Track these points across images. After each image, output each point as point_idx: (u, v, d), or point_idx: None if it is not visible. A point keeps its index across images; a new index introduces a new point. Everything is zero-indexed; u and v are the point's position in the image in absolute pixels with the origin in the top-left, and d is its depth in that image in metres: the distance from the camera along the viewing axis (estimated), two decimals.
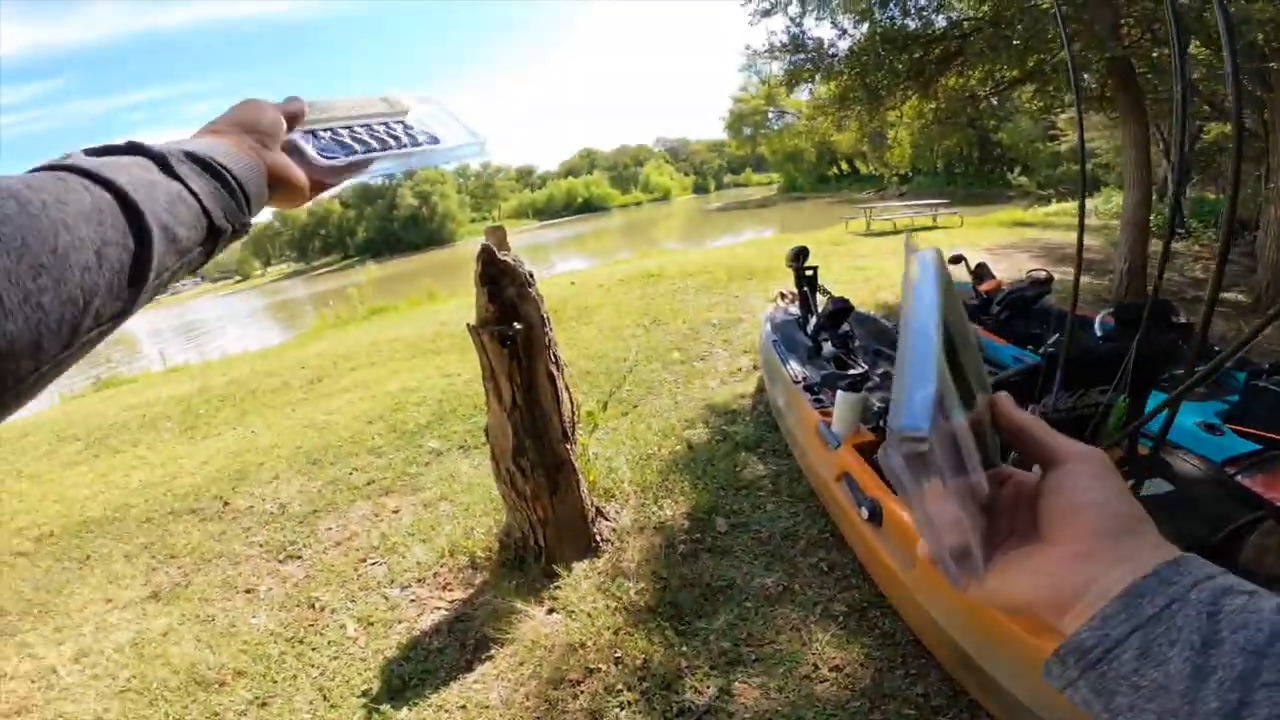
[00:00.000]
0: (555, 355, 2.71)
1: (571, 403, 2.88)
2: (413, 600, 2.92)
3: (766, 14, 7.97)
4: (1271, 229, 6.82)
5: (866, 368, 4.18)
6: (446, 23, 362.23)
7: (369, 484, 4.16)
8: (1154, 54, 7.05)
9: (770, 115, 42.77)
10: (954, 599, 1.78)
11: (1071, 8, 6.58)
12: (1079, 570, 0.34)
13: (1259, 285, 6.95)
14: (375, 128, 0.58)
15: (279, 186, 0.49)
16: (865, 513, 2.43)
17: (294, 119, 0.52)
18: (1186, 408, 2.99)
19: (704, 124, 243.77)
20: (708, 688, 2.17)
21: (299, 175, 0.50)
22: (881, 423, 2.92)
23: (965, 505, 0.33)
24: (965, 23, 7.65)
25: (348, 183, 0.56)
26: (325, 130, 0.54)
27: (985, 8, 7.36)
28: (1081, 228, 2.07)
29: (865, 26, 7.72)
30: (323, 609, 2.95)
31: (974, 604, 1.56)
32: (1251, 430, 2.92)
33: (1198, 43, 7.15)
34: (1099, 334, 3.80)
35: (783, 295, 5.27)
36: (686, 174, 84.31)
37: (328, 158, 0.52)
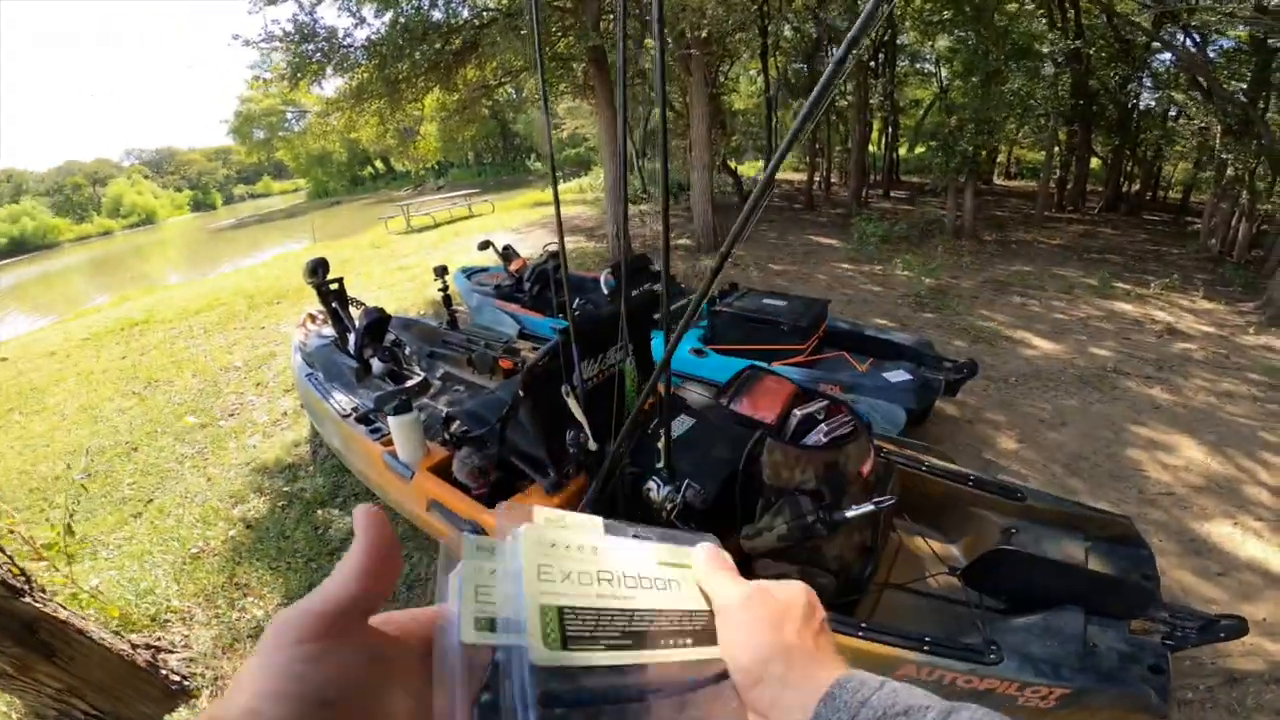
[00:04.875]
0: None
1: None
2: None
3: (272, 2, 6.66)
4: (696, 189, 9.24)
5: (424, 374, 3.94)
6: None
7: None
8: (624, 45, 8.47)
9: (289, 115, 37.57)
10: None
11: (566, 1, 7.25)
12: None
13: (696, 233, 9.43)
14: None
15: None
16: (473, 535, 2.23)
17: None
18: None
19: (198, 130, 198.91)
20: None
21: None
22: (449, 431, 2.71)
23: None
24: (485, 13, 7.76)
25: None
26: None
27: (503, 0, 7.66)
28: (666, 212, 2.16)
29: (388, 15, 7.17)
30: None
31: None
32: (723, 347, 3.79)
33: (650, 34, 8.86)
34: (605, 291, 4.39)
35: (311, 317, 4.55)
36: (179, 190, 67.81)
37: None
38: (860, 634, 1.56)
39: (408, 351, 4.11)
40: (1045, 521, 2.08)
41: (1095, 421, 4.00)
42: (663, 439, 1.88)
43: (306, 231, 18.97)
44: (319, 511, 3.25)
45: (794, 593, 0.44)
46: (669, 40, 7.92)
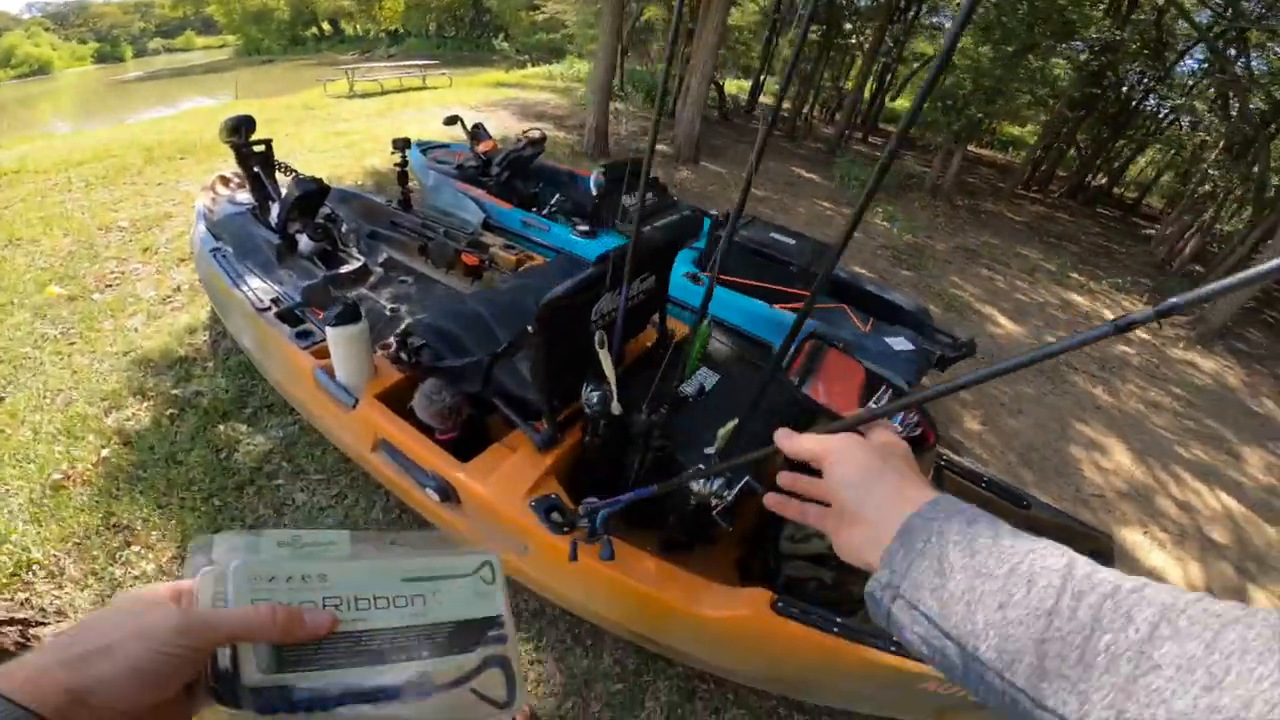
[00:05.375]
0: None
1: None
2: None
3: None
4: (689, 96, 8.32)
5: (363, 259, 3.16)
6: None
7: None
8: None
9: None
10: (591, 582, 1.60)
11: None
12: (866, 536, 0.46)
13: (677, 141, 8.63)
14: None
15: None
16: (435, 495, 1.70)
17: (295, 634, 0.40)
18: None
19: None
20: None
21: None
22: (406, 347, 2.04)
23: None
24: None
25: None
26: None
27: None
28: (655, 118, 1.46)
29: None
30: None
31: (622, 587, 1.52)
32: (722, 277, 3.21)
33: None
34: (593, 192, 3.69)
35: (224, 180, 3.63)
36: (84, 42, 59.65)
37: None
38: (893, 649, 1.37)
39: (344, 230, 3.30)
40: (1040, 531, 1.86)
41: (1047, 413, 4.18)
42: (730, 425, 1.50)
43: (229, 88, 16.60)
44: (220, 426, 2.54)
45: (890, 436, 0.52)
46: None
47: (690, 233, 3.57)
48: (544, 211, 3.97)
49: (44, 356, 2.99)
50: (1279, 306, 8.80)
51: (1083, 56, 10.34)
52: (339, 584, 0.43)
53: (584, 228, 3.64)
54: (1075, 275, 7.54)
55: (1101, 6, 11.04)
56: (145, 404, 2.68)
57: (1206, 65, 11.79)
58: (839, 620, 1.41)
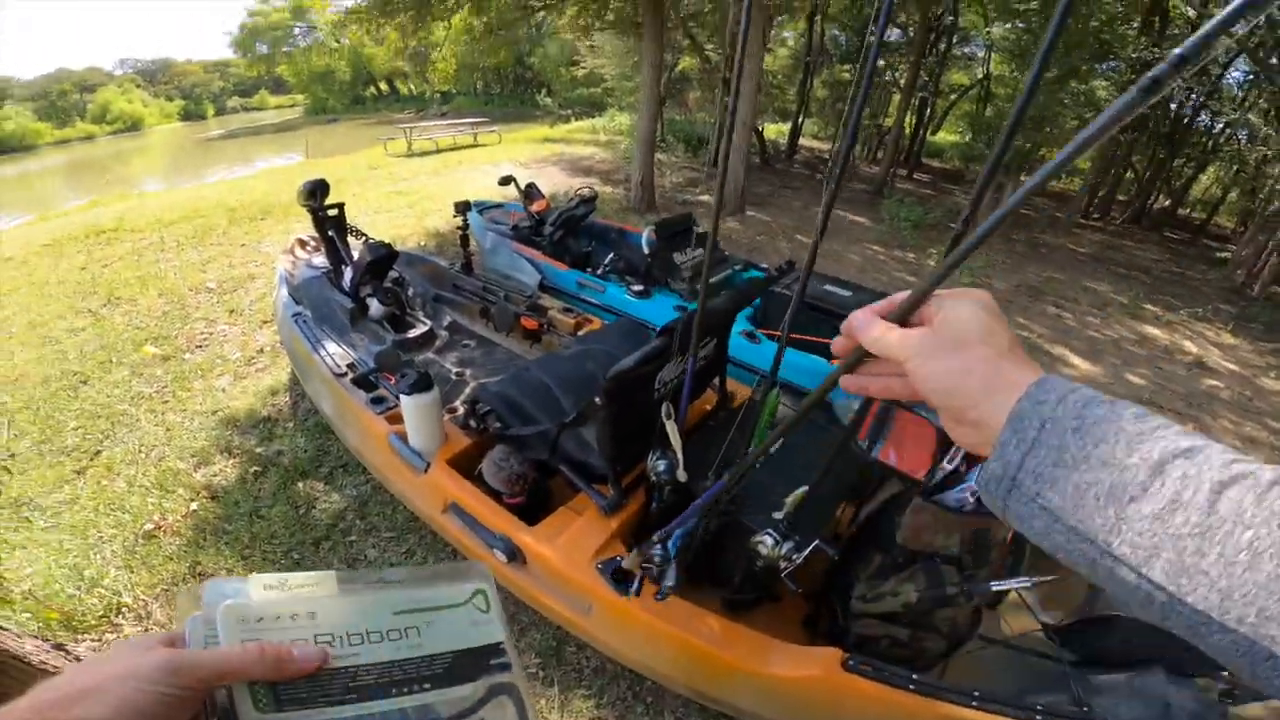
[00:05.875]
0: None
1: None
2: None
3: None
4: (732, 145, 8.51)
5: (429, 323, 3.36)
6: None
7: None
8: None
9: (297, 30, 37.19)
10: (655, 640, 1.63)
11: None
12: (972, 431, 0.42)
13: (725, 191, 8.75)
14: None
15: None
16: (502, 556, 1.79)
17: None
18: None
19: (199, 43, 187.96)
20: None
21: None
22: (474, 414, 2.17)
23: None
24: None
25: None
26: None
27: None
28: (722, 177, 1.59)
29: None
30: None
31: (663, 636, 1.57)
32: (774, 332, 3.25)
33: None
34: (646, 250, 3.82)
35: (301, 243, 3.92)
36: (170, 99, 64.85)
37: None
38: (974, 704, 1.38)
39: (411, 293, 3.53)
40: None
41: None
42: (798, 493, 1.50)
43: (300, 147, 17.84)
44: (299, 484, 2.71)
45: (966, 315, 0.44)
46: None
47: (751, 297, 3.66)
48: (598, 271, 4.10)
49: (140, 413, 3.26)
50: None
51: (1125, 78, 10.07)
52: (329, 621, 0.43)
53: (638, 288, 3.73)
54: (1149, 307, 7.18)
55: (1135, 25, 10.90)
56: (231, 461, 2.88)
57: (1253, 77, 11.32)
58: (915, 677, 1.42)
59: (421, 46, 12.99)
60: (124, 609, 2.16)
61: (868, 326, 0.47)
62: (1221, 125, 13.32)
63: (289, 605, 0.43)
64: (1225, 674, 1.59)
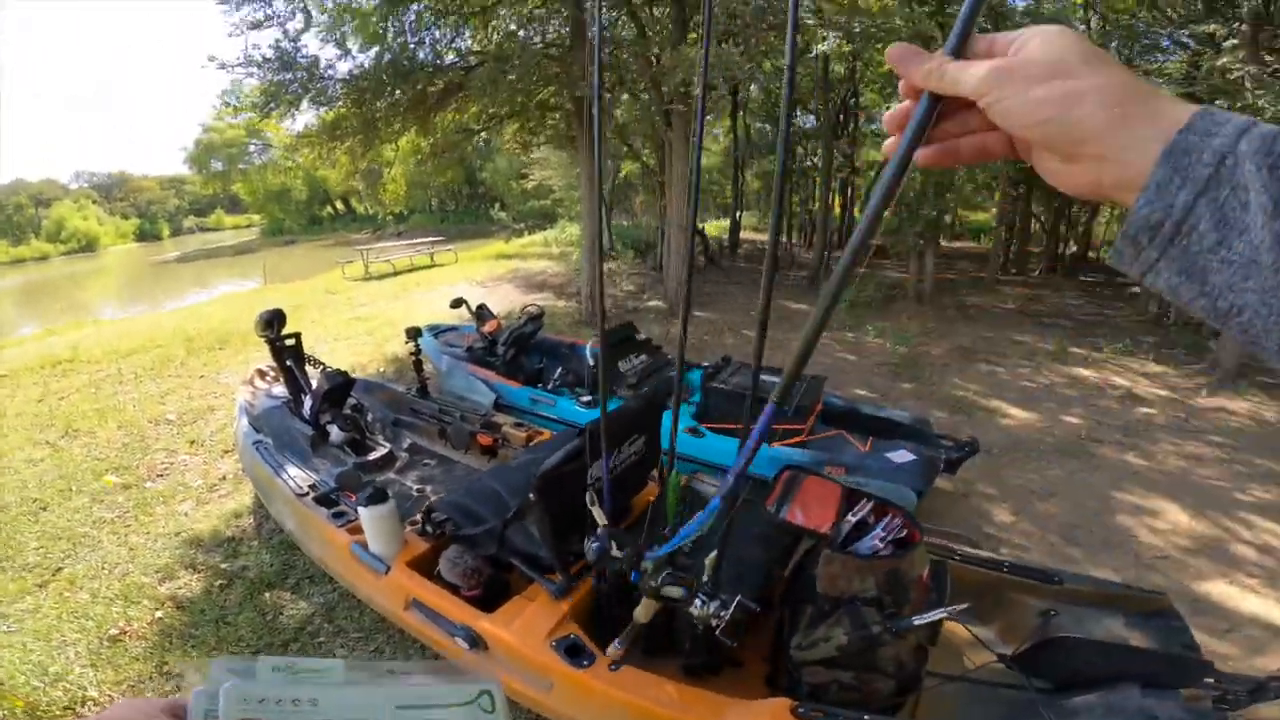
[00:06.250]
0: None
1: None
2: None
3: (257, 26, 6.41)
4: (672, 249, 8.97)
5: (389, 446, 3.59)
6: None
7: None
8: (607, 96, 8.35)
9: (252, 148, 36.47)
10: (614, 710, 1.73)
11: (558, 50, 7.27)
12: (1100, 168, 0.33)
13: (669, 295, 9.21)
14: None
15: None
16: (464, 644, 1.96)
17: None
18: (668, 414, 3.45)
19: (155, 157, 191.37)
20: None
21: None
22: (430, 521, 2.39)
23: None
24: (472, 56, 7.72)
25: None
26: None
27: (491, 45, 7.62)
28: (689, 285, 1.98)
29: (374, 51, 6.99)
30: None
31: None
32: (719, 425, 3.58)
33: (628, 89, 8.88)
34: (590, 362, 4.18)
35: (261, 373, 4.16)
36: (126, 217, 64.49)
37: None
38: None
39: (370, 418, 3.77)
40: (1082, 602, 2.11)
41: (1081, 490, 4.10)
42: (710, 555, 1.74)
43: (257, 271, 18.16)
44: (266, 594, 2.84)
45: (1056, 40, 0.35)
46: (648, 95, 7.92)
47: (663, 397, 3.89)
48: (549, 386, 4.41)
49: (101, 535, 3.37)
50: None
51: None
52: (329, 709, 0.43)
53: (586, 398, 4.03)
54: (1076, 350, 7.45)
55: None
56: (196, 576, 2.99)
57: None
58: (866, 717, 1.55)
59: (374, 165, 13.21)
60: (89, 701, 2.23)
61: (915, 56, 0.39)
62: None
63: (292, 690, 0.43)
64: (1212, 683, 1.73)
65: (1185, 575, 3.28)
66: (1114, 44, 9.91)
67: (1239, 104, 6.19)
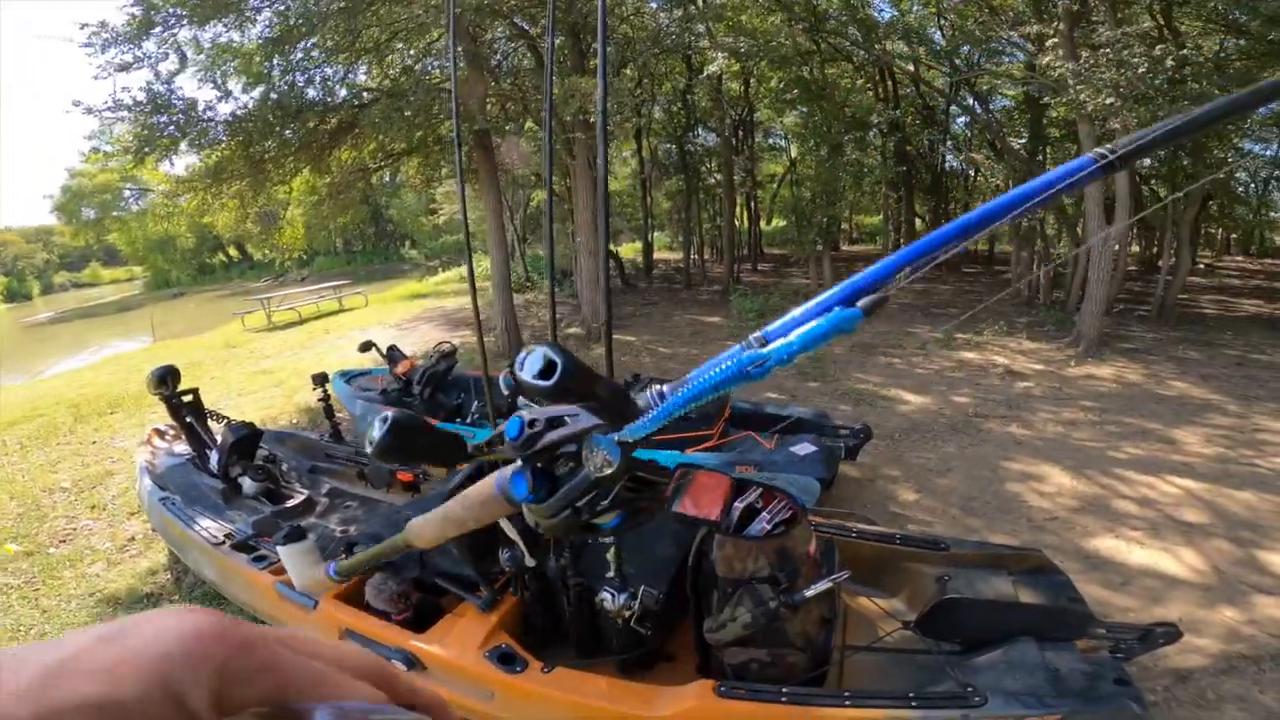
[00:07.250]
0: None
1: None
2: None
3: (125, 69, 6.11)
4: (584, 276, 9.18)
5: (307, 492, 3.62)
6: None
7: None
8: (506, 128, 8.25)
9: (128, 193, 31.74)
10: (554, 709, 1.80)
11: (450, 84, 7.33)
12: None
13: (585, 320, 9.36)
14: None
15: None
16: (402, 666, 2.08)
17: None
18: None
19: (16, 207, 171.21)
20: None
21: None
22: (343, 556, 2.51)
23: None
24: (365, 93, 7.54)
25: None
26: None
27: (386, 80, 7.50)
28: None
29: (258, 90, 6.75)
30: None
31: None
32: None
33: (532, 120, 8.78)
34: (505, 391, 4.33)
35: (159, 432, 4.05)
36: None
37: None
38: (848, 703, 1.59)
39: (285, 468, 3.78)
40: (970, 565, 2.24)
41: (973, 463, 4.39)
42: (611, 549, 1.92)
43: (145, 328, 16.93)
44: None
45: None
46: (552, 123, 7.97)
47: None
48: (468, 420, 4.51)
49: (10, 600, 3.28)
50: (1146, 301, 9.76)
51: (878, 142, 11.52)
52: None
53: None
54: (961, 335, 8.03)
55: (871, 94, 12.85)
56: None
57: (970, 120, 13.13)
58: (784, 690, 1.61)
59: (268, 209, 12.62)
60: None
61: None
62: (961, 165, 15.41)
63: None
64: (1104, 633, 1.83)
65: (1075, 534, 3.42)
66: (965, 48, 10.89)
67: (1064, 99, 6.99)
